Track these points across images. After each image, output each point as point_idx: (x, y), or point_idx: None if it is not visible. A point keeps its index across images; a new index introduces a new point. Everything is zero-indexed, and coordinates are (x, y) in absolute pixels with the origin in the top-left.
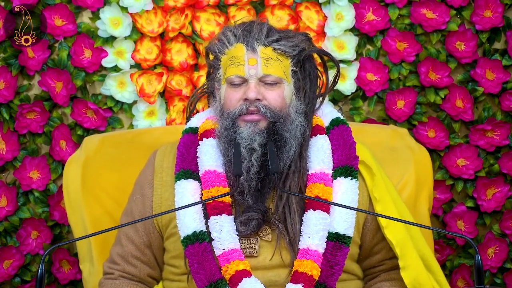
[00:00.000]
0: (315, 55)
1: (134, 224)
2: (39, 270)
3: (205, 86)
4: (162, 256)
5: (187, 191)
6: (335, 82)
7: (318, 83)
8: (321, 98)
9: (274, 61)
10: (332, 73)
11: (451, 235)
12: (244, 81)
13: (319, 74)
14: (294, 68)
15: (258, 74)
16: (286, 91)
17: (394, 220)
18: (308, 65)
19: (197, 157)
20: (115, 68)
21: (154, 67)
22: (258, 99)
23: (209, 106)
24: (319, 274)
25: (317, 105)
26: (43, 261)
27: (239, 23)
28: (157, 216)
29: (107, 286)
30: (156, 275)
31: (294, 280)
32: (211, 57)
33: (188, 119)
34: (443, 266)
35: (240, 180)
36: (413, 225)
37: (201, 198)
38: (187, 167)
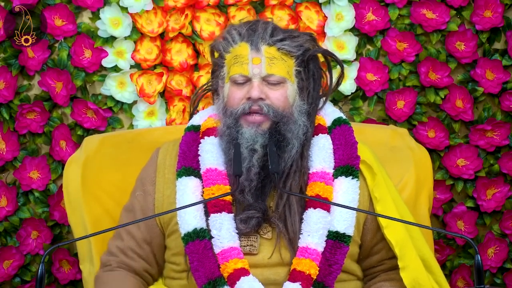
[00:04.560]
0: (319, 55)
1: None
2: (39, 270)
3: (210, 83)
4: (161, 254)
5: (188, 188)
6: (338, 82)
7: (322, 83)
8: (324, 98)
9: (278, 61)
10: (335, 73)
11: (451, 235)
12: (248, 80)
13: (323, 74)
14: (298, 68)
15: (262, 74)
16: (290, 91)
17: (394, 220)
18: (312, 65)
19: (199, 155)
20: (115, 68)
21: (154, 67)
22: (261, 98)
23: (213, 104)
24: (317, 273)
25: (320, 105)
26: (43, 261)
27: (244, 22)
28: (158, 216)
29: (105, 278)
30: (153, 272)
31: (292, 279)
32: (216, 54)
33: (191, 116)
34: (443, 266)
35: (240, 180)
36: (413, 225)
37: (202, 195)
38: (188, 165)
